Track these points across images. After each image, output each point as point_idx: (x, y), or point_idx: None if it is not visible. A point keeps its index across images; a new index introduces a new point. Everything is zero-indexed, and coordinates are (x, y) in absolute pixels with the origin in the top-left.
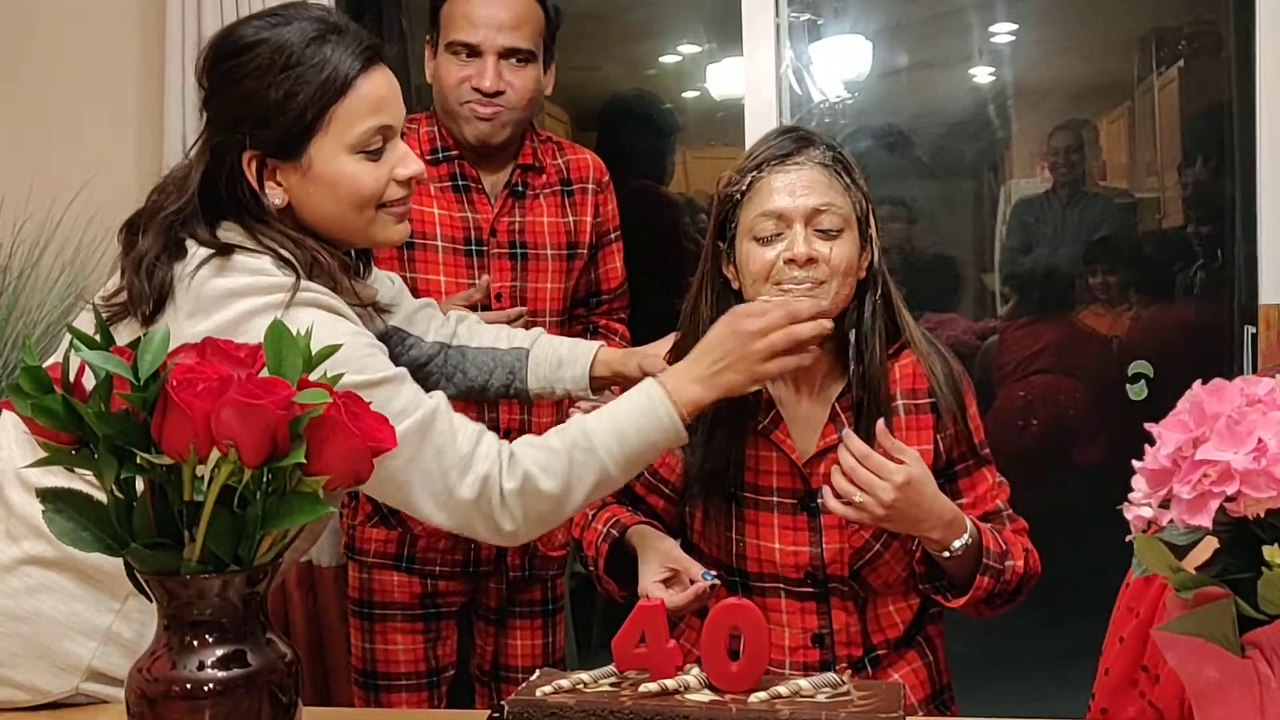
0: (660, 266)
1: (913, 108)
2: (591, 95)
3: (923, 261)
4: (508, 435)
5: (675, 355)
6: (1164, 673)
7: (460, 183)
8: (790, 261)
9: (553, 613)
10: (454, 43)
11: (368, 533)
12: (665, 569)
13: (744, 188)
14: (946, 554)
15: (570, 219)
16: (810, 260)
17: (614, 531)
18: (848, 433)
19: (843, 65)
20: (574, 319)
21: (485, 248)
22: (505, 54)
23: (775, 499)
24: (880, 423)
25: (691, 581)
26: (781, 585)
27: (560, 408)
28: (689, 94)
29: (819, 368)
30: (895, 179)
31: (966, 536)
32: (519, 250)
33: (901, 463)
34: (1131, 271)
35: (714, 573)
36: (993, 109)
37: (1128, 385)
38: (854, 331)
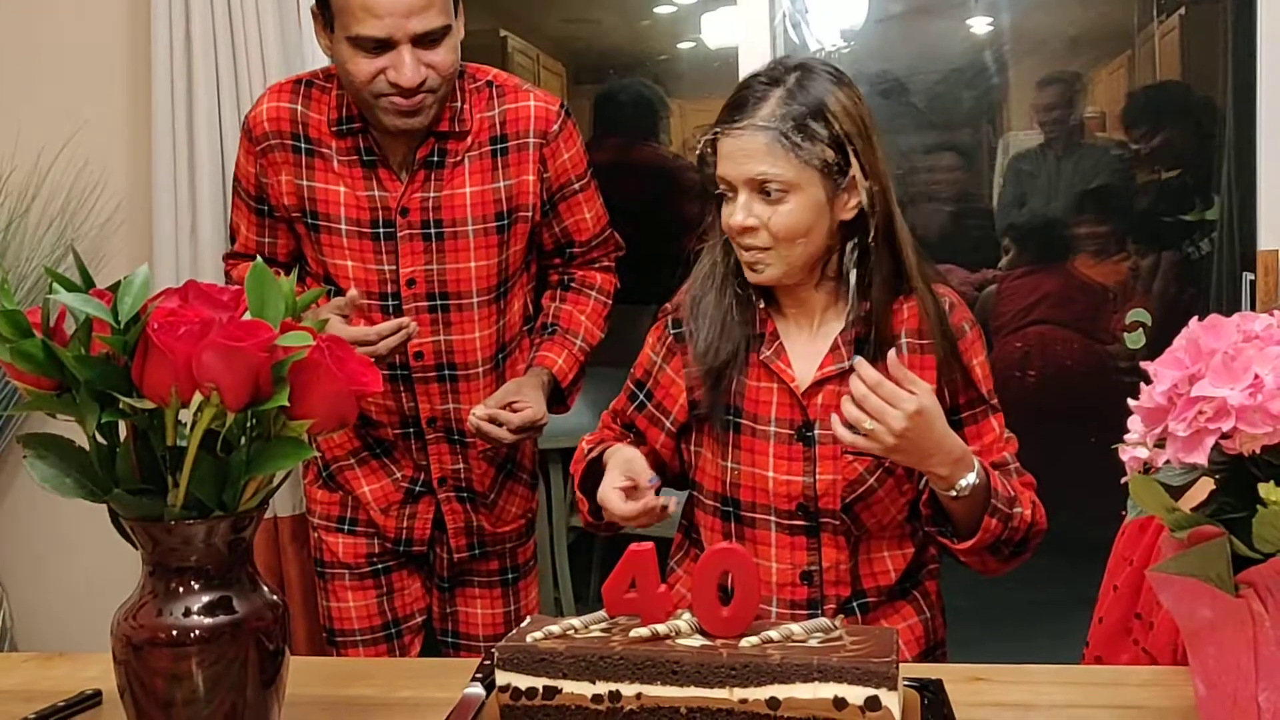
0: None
1: (909, 56)
2: (587, 47)
3: (919, 212)
4: (431, 422)
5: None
6: (1158, 619)
7: (366, 158)
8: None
9: (513, 581)
10: (358, 38)
11: (314, 493)
12: (625, 477)
13: (708, 150)
14: (953, 493)
15: (505, 183)
16: (747, 229)
17: (593, 452)
18: (860, 360)
19: (838, 13)
20: (549, 270)
21: (394, 229)
22: (418, 40)
23: (773, 429)
24: (892, 352)
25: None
26: (773, 517)
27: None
28: (683, 45)
29: (816, 302)
30: (891, 129)
31: (974, 475)
32: (433, 230)
33: (913, 393)
34: (1128, 221)
35: (656, 477)
36: (990, 57)
37: (1125, 334)
38: (852, 271)
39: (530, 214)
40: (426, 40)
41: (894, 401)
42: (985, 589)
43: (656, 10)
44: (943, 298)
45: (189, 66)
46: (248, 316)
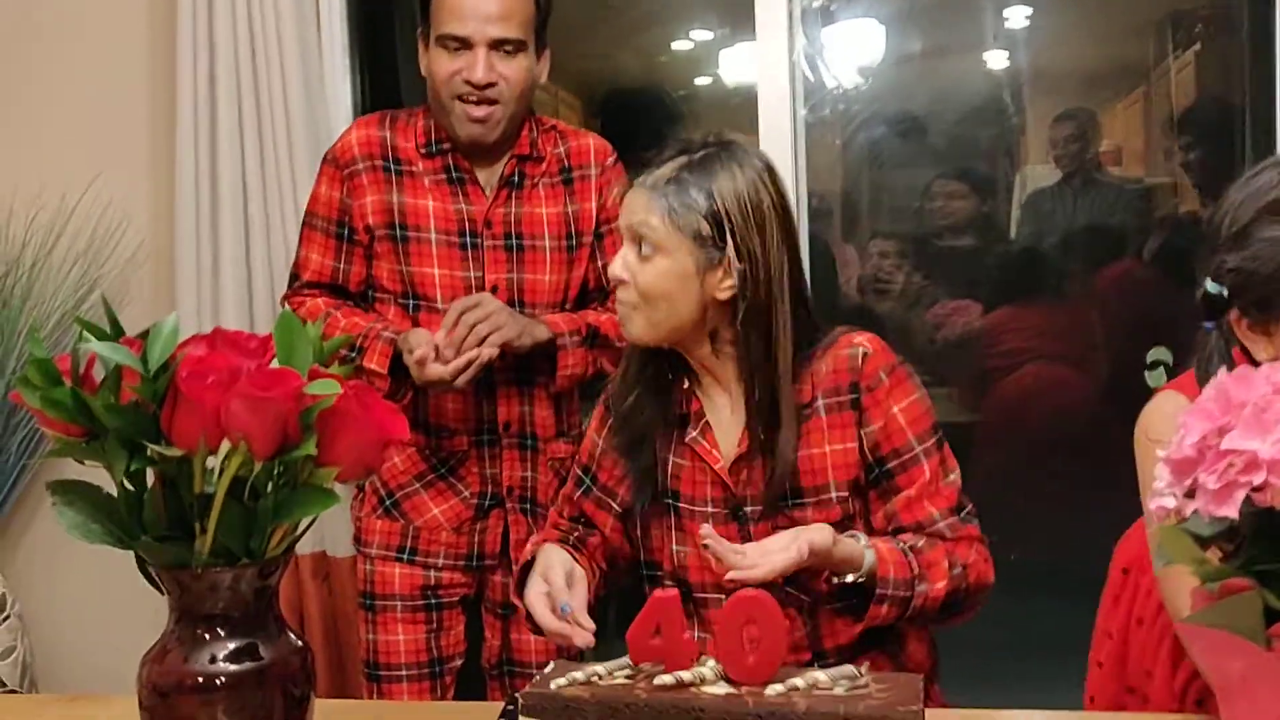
0: None
1: (926, 94)
2: (604, 83)
3: (937, 249)
4: (506, 427)
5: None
6: (1151, 693)
7: (454, 175)
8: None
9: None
10: (444, 36)
11: (372, 524)
12: (546, 582)
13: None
14: (848, 579)
15: (572, 208)
16: (620, 281)
17: (528, 554)
18: (705, 529)
19: (856, 51)
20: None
21: (480, 239)
22: (495, 45)
23: (708, 509)
24: (705, 528)
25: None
26: (724, 595)
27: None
28: (701, 80)
29: (728, 373)
30: (909, 165)
31: (862, 572)
32: (514, 242)
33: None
34: (1147, 257)
35: (571, 605)
36: (1008, 95)
37: (1146, 372)
38: (739, 344)
39: (590, 240)
40: (502, 48)
41: (751, 565)
42: (1021, 623)
43: (674, 47)
44: (856, 347)
45: (212, 107)
46: (276, 364)
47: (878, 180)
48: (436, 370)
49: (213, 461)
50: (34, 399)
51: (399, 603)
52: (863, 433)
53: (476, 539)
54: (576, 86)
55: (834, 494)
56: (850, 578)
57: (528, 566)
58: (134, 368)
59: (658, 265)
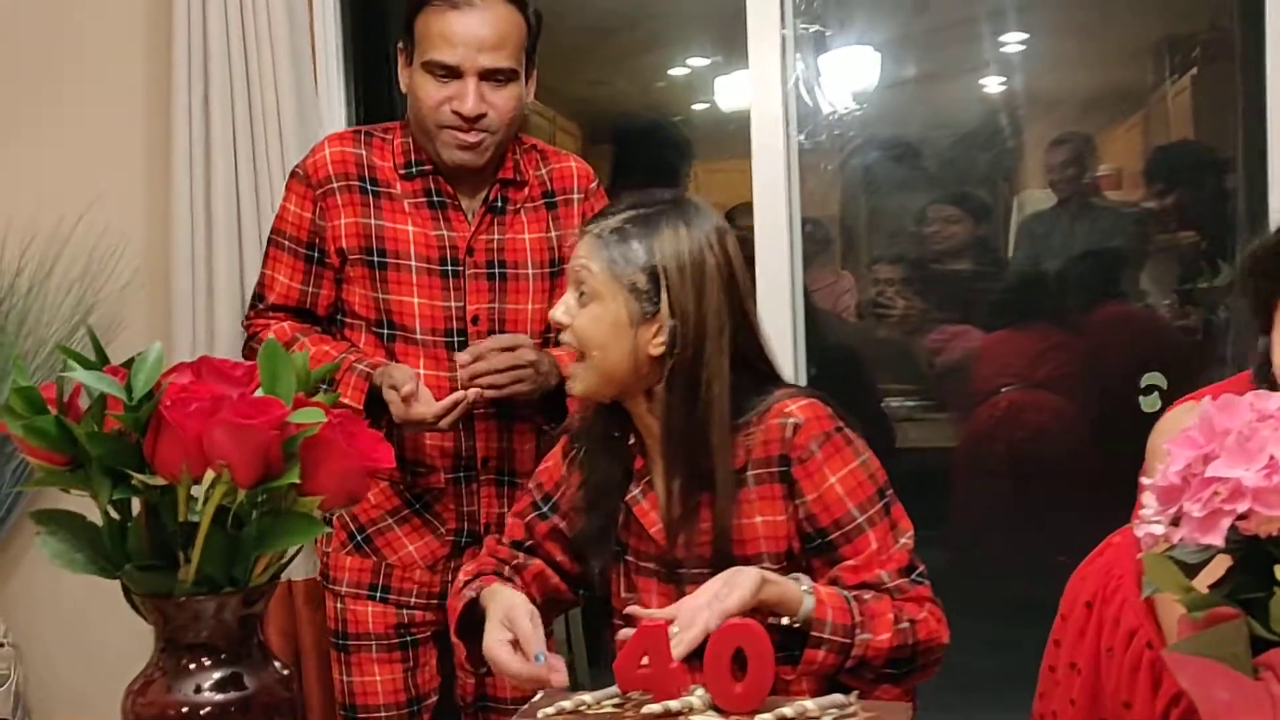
0: None
1: (922, 118)
2: (602, 110)
3: (934, 274)
4: (485, 463)
5: None
6: (1136, 700)
7: (435, 199)
8: None
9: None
10: (431, 62)
11: (341, 560)
12: (509, 631)
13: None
14: (783, 621)
15: (554, 234)
16: (560, 325)
17: (469, 592)
18: (632, 610)
19: (850, 77)
20: None
21: (461, 267)
22: (486, 75)
23: (652, 565)
24: (631, 610)
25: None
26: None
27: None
28: (698, 106)
29: (661, 436)
30: (904, 190)
31: (799, 616)
32: (497, 270)
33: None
34: (1142, 282)
35: (545, 654)
36: (1004, 119)
37: (1141, 397)
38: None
39: None
40: (493, 78)
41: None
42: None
43: (670, 73)
44: (788, 418)
45: (207, 131)
46: (260, 393)
47: (873, 205)
48: (419, 411)
49: (197, 490)
50: (16, 427)
51: (374, 642)
52: (795, 504)
53: (450, 577)
54: (574, 113)
55: (767, 564)
56: (785, 620)
57: (469, 605)
58: (118, 396)
59: (593, 311)
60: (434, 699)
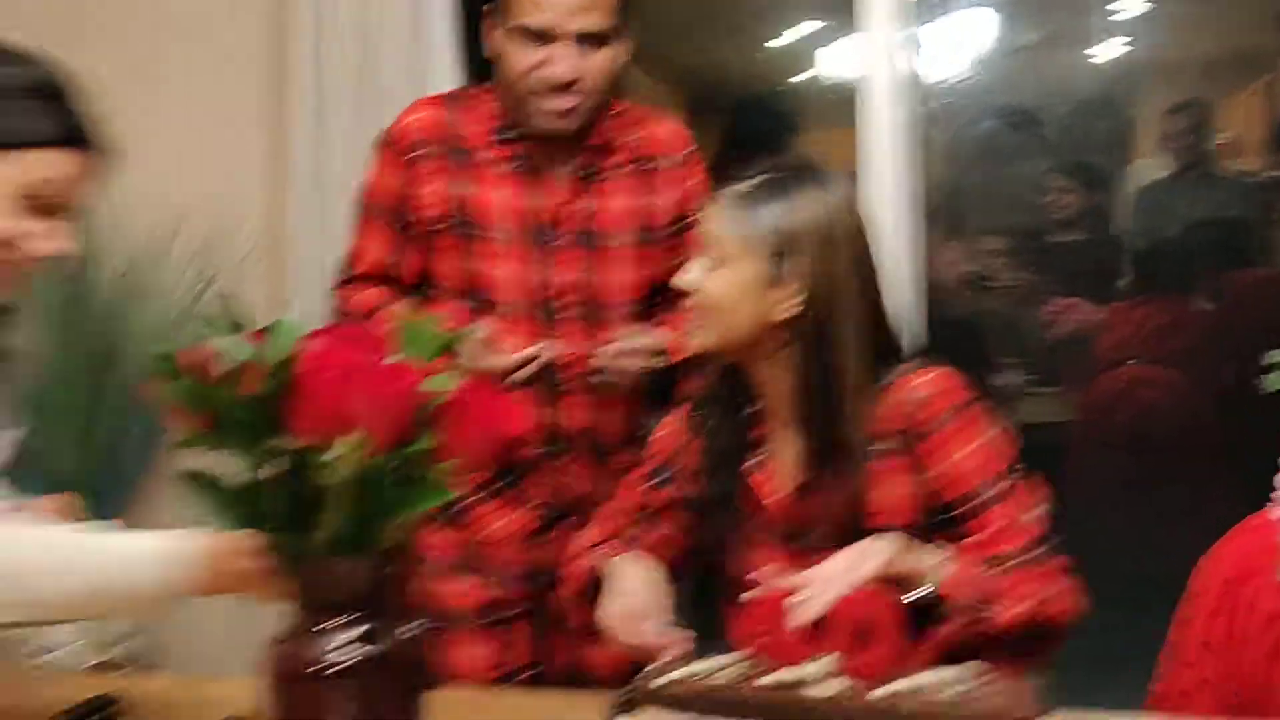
0: None
1: (1037, 86)
2: (706, 79)
3: (1047, 245)
4: (576, 437)
5: None
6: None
7: (526, 165)
8: None
9: None
10: (521, 27)
11: (429, 538)
12: (628, 599)
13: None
14: (910, 596)
15: (646, 201)
16: (689, 288)
17: (592, 560)
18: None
19: (965, 42)
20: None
21: (550, 237)
22: (579, 38)
23: (771, 534)
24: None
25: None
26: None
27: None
28: (802, 76)
29: (788, 398)
30: (1020, 158)
31: (928, 588)
32: (588, 239)
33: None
34: (1263, 254)
35: (663, 625)
36: (1120, 85)
37: (1264, 376)
38: (797, 369)
39: (666, 236)
40: (587, 40)
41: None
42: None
43: (775, 41)
44: (914, 391)
45: (320, 104)
46: (395, 359)
47: (987, 175)
48: (494, 360)
49: (332, 454)
50: (164, 392)
51: (464, 620)
52: (919, 479)
53: (539, 553)
54: (678, 81)
55: None
56: (910, 596)
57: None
58: (257, 362)
59: (725, 273)
60: (525, 676)
